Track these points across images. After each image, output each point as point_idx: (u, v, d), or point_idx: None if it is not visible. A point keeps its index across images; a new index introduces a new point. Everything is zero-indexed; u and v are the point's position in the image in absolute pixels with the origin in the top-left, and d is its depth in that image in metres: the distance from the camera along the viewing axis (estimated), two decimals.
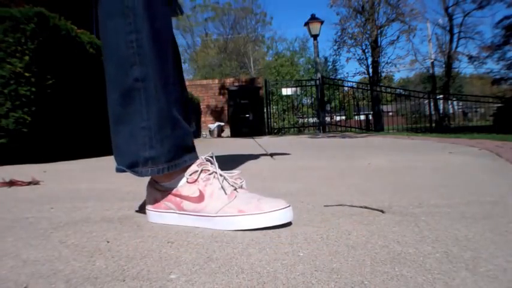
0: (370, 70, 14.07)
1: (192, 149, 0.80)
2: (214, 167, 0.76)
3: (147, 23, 0.74)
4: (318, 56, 10.15)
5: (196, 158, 0.79)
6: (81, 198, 1.07)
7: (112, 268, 0.51)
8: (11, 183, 1.34)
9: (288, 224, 0.70)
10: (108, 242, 0.63)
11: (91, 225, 0.74)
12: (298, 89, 11.10)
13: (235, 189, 0.73)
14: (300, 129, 10.35)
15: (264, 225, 0.67)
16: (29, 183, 1.36)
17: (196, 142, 0.91)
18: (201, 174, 0.74)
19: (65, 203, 1.00)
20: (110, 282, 0.47)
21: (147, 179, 0.80)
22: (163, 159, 0.74)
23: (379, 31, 13.52)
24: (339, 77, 19.33)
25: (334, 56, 19.81)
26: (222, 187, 0.72)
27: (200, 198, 0.72)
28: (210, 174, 0.75)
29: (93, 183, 1.41)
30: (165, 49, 0.78)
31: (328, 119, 10.66)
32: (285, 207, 0.69)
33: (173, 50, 0.82)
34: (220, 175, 0.74)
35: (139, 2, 0.73)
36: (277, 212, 0.68)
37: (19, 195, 1.15)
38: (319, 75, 9.85)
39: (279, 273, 0.48)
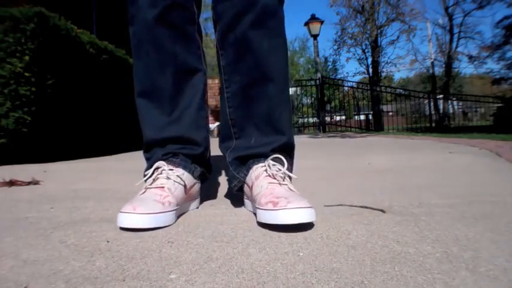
0: (370, 70, 14.06)
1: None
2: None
3: (130, 19, 0.87)
4: (318, 55, 10.15)
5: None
6: (81, 198, 1.07)
7: (112, 268, 0.51)
8: (11, 183, 1.34)
9: (289, 224, 0.70)
10: (108, 242, 0.63)
11: (91, 225, 0.74)
12: (298, 88, 11.10)
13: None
14: (300, 129, 10.34)
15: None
16: (29, 183, 1.36)
17: None
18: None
19: (65, 203, 1.00)
20: (110, 282, 0.47)
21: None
22: None
23: (379, 31, 13.51)
24: (339, 76, 19.34)
25: (334, 56, 19.76)
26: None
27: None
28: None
29: (93, 183, 1.41)
30: (143, 51, 0.87)
31: (328, 118, 10.66)
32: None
33: (156, 55, 0.87)
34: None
35: None
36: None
37: (19, 195, 1.15)
38: (319, 75, 9.86)
39: (279, 273, 0.48)
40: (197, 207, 0.90)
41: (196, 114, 0.90)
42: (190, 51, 0.89)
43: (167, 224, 0.71)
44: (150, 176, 0.81)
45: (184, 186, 0.82)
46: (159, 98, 0.88)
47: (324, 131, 9.19)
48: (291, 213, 0.64)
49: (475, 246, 0.56)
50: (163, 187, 0.77)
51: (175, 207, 0.76)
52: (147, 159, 0.91)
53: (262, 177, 0.79)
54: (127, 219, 0.67)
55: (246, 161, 0.87)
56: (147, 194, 0.75)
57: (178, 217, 0.78)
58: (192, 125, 0.89)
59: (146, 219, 0.68)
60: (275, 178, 0.77)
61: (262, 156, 0.84)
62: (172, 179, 0.80)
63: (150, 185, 0.78)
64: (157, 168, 0.81)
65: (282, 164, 0.80)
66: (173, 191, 0.77)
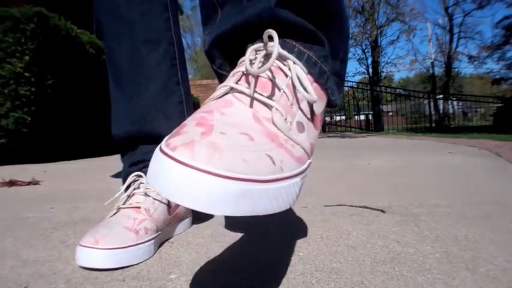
0: (370, 70, 14.06)
1: None
2: None
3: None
4: None
5: None
6: (81, 198, 1.07)
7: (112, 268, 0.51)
8: (11, 183, 1.34)
9: (289, 224, 0.70)
10: None
11: (91, 225, 0.74)
12: None
13: None
14: None
15: None
16: (29, 183, 1.36)
17: None
18: None
19: (65, 203, 1.00)
20: (110, 282, 0.47)
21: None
22: None
23: (379, 31, 13.52)
24: None
25: None
26: None
27: None
28: None
29: (93, 183, 1.41)
30: (104, 28, 0.70)
31: (328, 119, 10.65)
32: None
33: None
34: None
35: None
36: None
37: (19, 195, 1.15)
38: None
39: (279, 273, 0.48)
40: (187, 229, 0.71)
41: (166, 100, 0.69)
42: (152, 13, 0.68)
43: (142, 260, 0.54)
44: (125, 191, 0.64)
45: (168, 204, 0.64)
46: (118, 80, 0.70)
47: (324, 131, 9.19)
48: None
49: (475, 246, 0.56)
50: (139, 207, 0.60)
51: (155, 235, 0.58)
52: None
53: (237, 74, 0.38)
54: (85, 257, 0.51)
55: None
56: (117, 217, 0.58)
57: (160, 245, 0.61)
58: (161, 116, 0.68)
59: (111, 257, 0.51)
60: (247, 82, 0.37)
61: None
62: (151, 196, 0.62)
63: (124, 203, 0.62)
64: (134, 181, 0.65)
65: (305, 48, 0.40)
66: (152, 213, 0.60)
